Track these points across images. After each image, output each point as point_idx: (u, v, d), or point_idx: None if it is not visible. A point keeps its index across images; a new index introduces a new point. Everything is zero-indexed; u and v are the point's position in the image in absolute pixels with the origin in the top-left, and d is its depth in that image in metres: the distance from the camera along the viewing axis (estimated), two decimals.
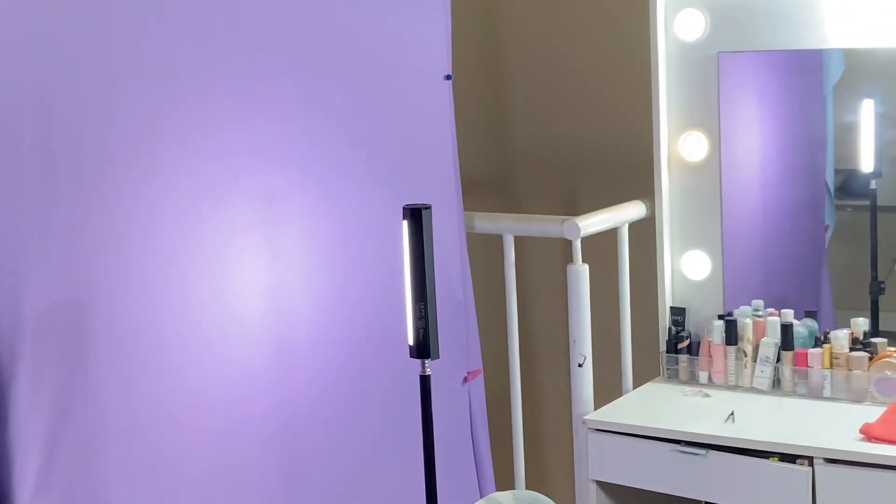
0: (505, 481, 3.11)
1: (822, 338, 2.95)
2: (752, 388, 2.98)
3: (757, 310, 3.04)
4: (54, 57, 2.03)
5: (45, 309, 2.02)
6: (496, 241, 3.04)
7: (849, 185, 3.08)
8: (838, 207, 3.12)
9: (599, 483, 2.88)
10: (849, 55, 3.00)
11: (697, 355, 3.08)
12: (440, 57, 2.78)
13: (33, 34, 1.99)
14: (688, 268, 3.14)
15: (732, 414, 2.81)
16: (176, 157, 2.23)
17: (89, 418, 2.09)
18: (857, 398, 2.86)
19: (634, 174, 3.32)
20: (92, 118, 2.09)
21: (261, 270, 2.38)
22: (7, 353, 1.97)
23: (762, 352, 2.97)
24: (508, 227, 3.03)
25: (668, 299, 3.15)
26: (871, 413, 2.73)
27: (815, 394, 2.91)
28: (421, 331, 2.20)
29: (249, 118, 2.36)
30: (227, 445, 2.32)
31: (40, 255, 2.01)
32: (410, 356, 2.24)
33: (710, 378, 3.05)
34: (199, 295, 2.27)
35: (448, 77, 2.79)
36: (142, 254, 2.18)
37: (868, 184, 3.04)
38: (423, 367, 2.23)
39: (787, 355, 2.94)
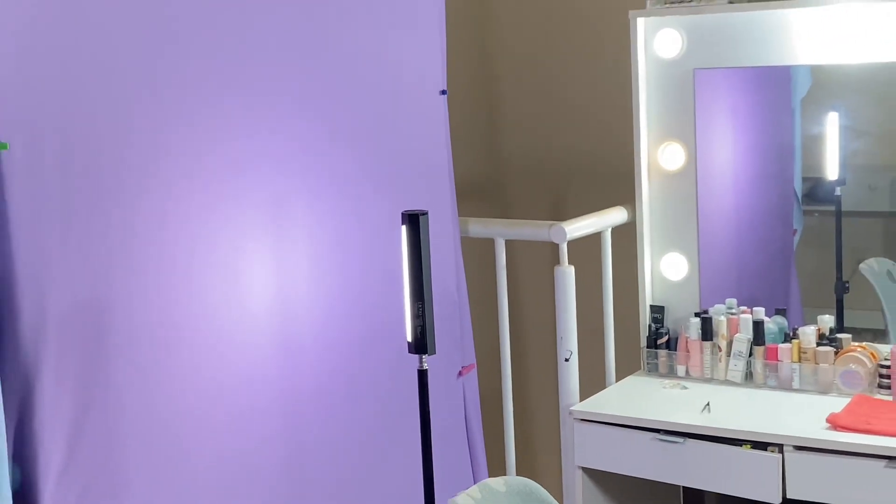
0: (497, 468, 3.11)
1: (791, 334, 2.96)
2: (727, 380, 2.98)
3: (730, 308, 3.04)
4: (74, 75, 2.04)
5: (67, 310, 2.02)
6: (488, 244, 3.04)
7: (815, 191, 3.08)
8: (806, 213, 3.12)
9: (585, 469, 2.88)
10: (815, 71, 3.00)
11: (675, 350, 3.08)
12: (436, 73, 2.78)
13: (55, 53, 2.00)
14: (666, 269, 3.14)
15: (708, 405, 2.82)
16: (190, 167, 2.23)
17: (109, 411, 2.09)
18: (824, 390, 2.86)
19: (617, 182, 3.32)
20: (110, 132, 2.09)
21: (268, 272, 2.38)
22: (32, 352, 1.97)
23: (735, 347, 2.97)
24: (500, 231, 3.03)
25: (648, 298, 3.15)
26: (837, 403, 2.73)
27: (785, 386, 2.91)
28: (418, 328, 2.20)
29: (259, 132, 2.36)
30: (237, 436, 2.32)
31: (62, 260, 2.01)
32: (409, 352, 2.24)
33: (687, 371, 3.05)
34: (211, 296, 2.27)
35: (443, 92, 2.80)
36: (157, 257, 2.18)
37: (833, 191, 3.04)
38: (421, 362, 2.23)
39: (759, 350, 2.95)
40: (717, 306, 3.06)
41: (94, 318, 2.07)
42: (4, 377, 1.94)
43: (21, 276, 1.96)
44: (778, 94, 3.08)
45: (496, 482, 2.31)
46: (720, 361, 3.00)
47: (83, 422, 2.05)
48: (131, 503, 2.13)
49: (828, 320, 2.95)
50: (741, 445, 2.65)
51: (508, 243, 3.02)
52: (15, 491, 1.96)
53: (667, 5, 3.02)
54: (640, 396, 2.95)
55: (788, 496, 2.61)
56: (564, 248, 2.91)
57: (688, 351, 3.04)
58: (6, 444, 1.94)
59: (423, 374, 2.22)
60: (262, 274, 2.37)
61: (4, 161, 1.93)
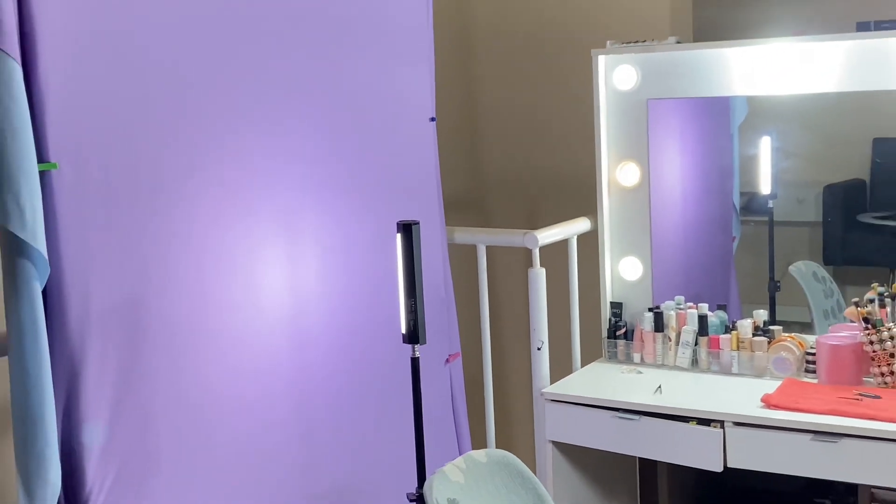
0: (479, 442, 3.10)
1: (731, 326, 2.96)
2: (676, 366, 2.99)
3: (679, 304, 3.04)
4: (116, 103, 2.04)
5: (108, 307, 2.01)
6: (471, 249, 3.03)
7: (751, 204, 3.09)
8: (743, 222, 3.13)
9: (554, 443, 2.89)
10: (751, 101, 3.01)
11: (632, 340, 3.08)
12: (426, 103, 2.78)
13: (99, 85, 2.00)
14: (624, 271, 3.15)
15: (660, 387, 2.82)
16: (214, 183, 2.23)
17: (144, 393, 2.09)
18: (759, 374, 2.87)
19: (581, 196, 3.32)
20: (146, 153, 2.10)
21: (282, 274, 2.37)
22: (78, 342, 1.97)
23: (683, 337, 2.97)
24: (481, 238, 3.02)
25: (608, 296, 3.16)
26: (770, 386, 2.74)
27: (726, 370, 2.92)
28: (411, 321, 2.20)
29: (274, 154, 2.36)
30: (255, 416, 2.31)
31: (103, 264, 2.01)
32: (403, 342, 2.24)
33: (642, 358, 3.05)
34: (232, 294, 2.27)
35: (432, 119, 2.80)
36: (186, 261, 2.17)
37: (766, 203, 3.05)
38: (413, 350, 2.23)
39: (703, 340, 2.95)
40: (667, 302, 3.07)
41: (132, 314, 2.07)
42: (53, 367, 1.93)
43: (68, 277, 1.95)
44: (719, 120, 3.09)
45: (478, 454, 2.31)
46: (670, 350, 3.00)
47: (121, 406, 2.04)
48: (162, 477, 2.12)
49: (762, 314, 2.95)
50: (688, 422, 2.66)
51: (489, 249, 3.01)
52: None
53: (623, 45, 3.03)
54: (601, 380, 2.95)
55: (728, 465, 2.61)
56: (536, 252, 2.91)
57: (642, 341, 3.05)
58: (56, 428, 1.94)
59: (415, 362, 2.22)
60: (276, 275, 2.36)
61: (54, 179, 1.92)
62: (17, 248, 1.88)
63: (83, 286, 1.97)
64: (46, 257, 1.90)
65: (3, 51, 1.84)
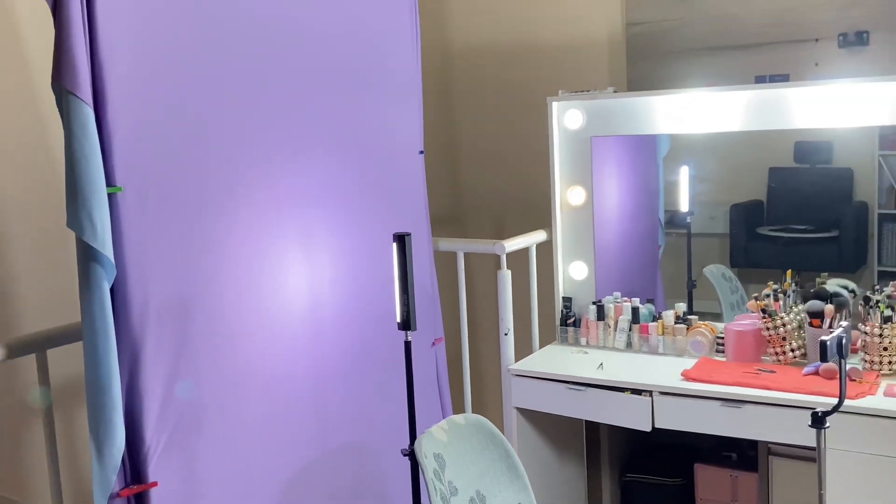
0: (458, 409, 3.10)
1: (657, 316, 2.96)
2: (614, 347, 2.98)
3: (616, 298, 3.04)
4: (170, 135, 2.04)
5: (163, 300, 2.01)
6: (452, 256, 3.02)
7: (673, 219, 3.10)
8: (667, 234, 3.14)
9: (518, 409, 2.88)
10: (673, 138, 3.02)
11: (579, 327, 3.07)
12: (416, 139, 2.77)
13: (157, 117, 2.00)
14: (573, 272, 3.14)
15: (601, 364, 2.81)
16: (247, 202, 2.22)
17: (190, 373, 2.08)
18: (679, 353, 2.87)
19: (539, 213, 3.31)
20: (195, 178, 2.11)
21: (301, 275, 2.36)
22: (138, 330, 1.97)
23: (620, 325, 2.97)
24: (460, 246, 3.01)
25: (560, 292, 3.14)
26: (688, 363, 2.75)
27: (653, 351, 2.92)
28: (404, 312, 2.18)
29: (295, 179, 2.35)
30: (280, 389, 2.30)
31: (159, 268, 2.01)
32: (398, 329, 2.22)
33: (587, 342, 3.04)
34: (262, 291, 2.26)
35: (421, 152, 2.79)
36: (224, 266, 2.17)
37: (685, 219, 3.06)
38: (406, 336, 2.21)
39: (636, 327, 2.95)
40: (607, 297, 3.06)
41: (181, 307, 2.06)
42: (119, 351, 1.93)
43: (130, 278, 1.95)
44: (648, 153, 3.10)
45: (458, 418, 2.30)
46: (610, 335, 3.00)
47: (173, 381, 2.03)
48: (205, 438, 2.11)
49: (682, 307, 2.96)
50: (623, 392, 2.65)
51: (466, 255, 3.00)
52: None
53: (572, 94, 3.03)
54: (555, 359, 2.93)
55: (656, 426, 2.61)
56: (504, 258, 2.90)
57: (588, 328, 3.04)
58: (121, 400, 1.93)
59: (408, 345, 2.20)
60: (296, 276, 2.35)
61: (119, 199, 1.92)
62: (89, 254, 1.88)
63: (142, 285, 1.96)
64: (113, 262, 1.91)
65: (80, 98, 1.84)
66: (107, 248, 1.87)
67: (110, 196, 1.89)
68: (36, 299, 2.66)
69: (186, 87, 2.05)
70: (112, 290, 1.91)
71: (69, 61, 1.82)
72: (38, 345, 2.04)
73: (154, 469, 1.98)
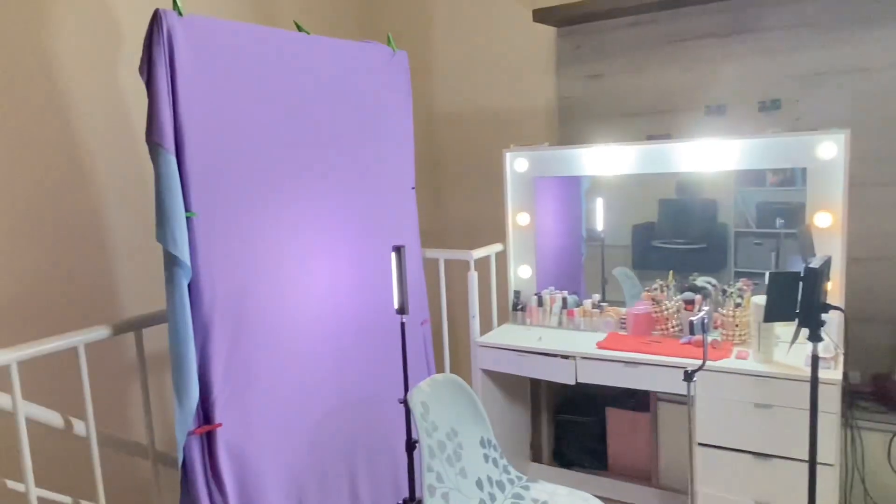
0: (440, 370, 3.09)
1: (580, 303, 2.97)
2: (549, 326, 2.98)
3: (551, 291, 3.04)
4: (229, 174, 2.00)
5: (225, 294, 1.99)
6: (436, 261, 3.02)
7: (592, 235, 3.10)
8: (588, 245, 3.14)
9: (483, 370, 2.87)
10: (592, 178, 3.02)
11: (525, 312, 3.07)
12: (409, 177, 2.75)
13: (218, 162, 1.96)
14: (520, 272, 3.14)
15: (541, 338, 2.81)
16: (287, 224, 2.20)
17: (246, 345, 2.06)
18: (595, 330, 2.87)
19: (497, 231, 3.32)
20: (247, 205, 2.07)
21: (326, 275, 2.35)
22: (208, 314, 1.95)
23: (554, 310, 2.98)
24: (442, 255, 3.00)
25: (512, 286, 3.14)
26: (601, 336, 2.75)
27: (577, 328, 2.92)
28: (401, 302, 2.18)
29: (320, 207, 2.33)
30: (310, 358, 2.28)
31: (222, 269, 1.99)
32: (396, 313, 2.23)
33: (531, 322, 3.04)
34: (297, 287, 2.24)
35: (413, 187, 2.78)
36: (270, 268, 2.15)
37: (600, 235, 3.06)
38: (402, 318, 2.21)
39: (565, 311, 2.95)
40: (545, 290, 3.06)
41: (239, 299, 2.04)
42: (195, 331, 1.91)
43: (202, 278, 1.93)
44: (574, 188, 3.10)
45: (439, 376, 2.30)
46: (547, 317, 3.00)
47: (233, 352, 2.02)
48: (256, 393, 2.09)
49: (597, 297, 2.96)
50: (556, 357, 2.65)
51: (446, 261, 3.00)
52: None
53: (520, 147, 3.03)
54: (508, 334, 2.93)
55: (578, 381, 2.60)
56: (472, 263, 2.89)
57: (531, 312, 3.04)
58: (195, 363, 1.91)
59: (403, 325, 2.20)
60: (322, 276, 2.34)
61: (194, 222, 1.91)
62: (172, 261, 1.87)
63: (210, 283, 1.95)
64: (189, 266, 1.89)
65: (165, 148, 1.82)
66: (185, 256, 1.86)
67: (187, 219, 1.88)
68: (134, 293, 2.64)
69: (240, 140, 2.04)
70: (189, 286, 1.90)
71: (157, 121, 1.82)
72: (136, 325, 2.03)
73: (219, 414, 1.97)
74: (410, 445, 2.16)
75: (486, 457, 2.28)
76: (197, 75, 1.89)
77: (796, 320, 1.76)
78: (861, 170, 2.65)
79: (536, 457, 3.33)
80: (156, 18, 1.81)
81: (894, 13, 2.59)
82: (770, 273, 1.82)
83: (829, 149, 2.41)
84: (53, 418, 2.05)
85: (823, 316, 1.75)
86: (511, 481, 2.29)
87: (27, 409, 1.98)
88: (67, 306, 2.46)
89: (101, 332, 1.92)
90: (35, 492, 1.78)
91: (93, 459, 1.91)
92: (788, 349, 2.04)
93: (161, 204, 1.83)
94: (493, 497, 2.21)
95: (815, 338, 1.76)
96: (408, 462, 2.17)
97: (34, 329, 2.32)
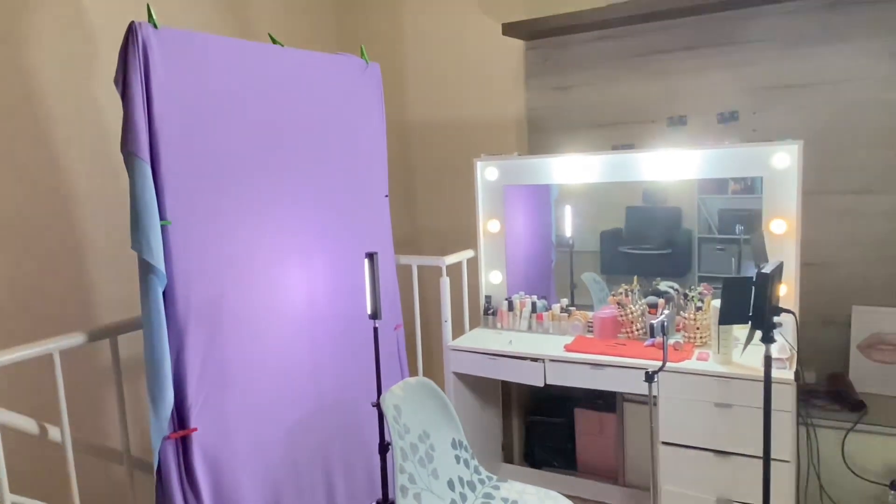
0: (413, 374, 3.10)
1: (549, 307, 3.00)
2: (519, 329, 3.01)
3: (521, 296, 3.07)
4: (204, 184, 2.00)
5: (200, 301, 1.99)
6: (409, 267, 3.03)
7: (561, 241, 3.12)
8: (557, 252, 3.16)
9: (455, 373, 2.88)
10: (561, 187, 3.05)
11: (496, 316, 3.09)
12: (382, 185, 2.76)
13: (193, 172, 1.95)
14: (491, 278, 3.17)
15: (511, 341, 2.84)
16: (261, 230, 2.20)
17: (221, 351, 2.06)
18: (563, 333, 2.90)
19: (469, 237, 3.34)
20: (221, 213, 2.06)
21: (302, 281, 2.35)
22: (183, 321, 1.94)
23: (524, 314, 3.00)
24: (415, 261, 3.01)
25: (483, 291, 3.17)
26: (569, 339, 2.78)
27: (546, 332, 2.94)
28: (374, 307, 2.19)
29: (297, 214, 2.33)
30: (285, 363, 2.28)
31: (197, 277, 1.98)
32: (369, 318, 2.23)
33: (501, 326, 3.06)
34: (272, 293, 2.24)
35: (386, 195, 2.78)
36: (245, 275, 2.14)
37: (569, 241, 3.08)
38: (375, 323, 2.22)
39: (534, 315, 2.98)
40: (515, 295, 3.09)
41: (213, 305, 2.04)
42: (170, 337, 1.90)
43: (177, 285, 1.92)
44: (543, 196, 3.13)
45: (411, 380, 2.31)
46: (517, 321, 3.03)
47: (208, 358, 2.02)
48: (232, 397, 2.08)
49: (566, 301, 2.99)
50: (525, 360, 2.67)
51: (419, 267, 3.01)
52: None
53: (490, 156, 3.06)
54: (480, 338, 2.95)
55: (547, 382, 2.63)
56: (444, 268, 2.91)
57: (502, 316, 3.06)
58: (170, 369, 1.90)
59: (376, 330, 2.21)
60: (298, 282, 2.34)
61: (169, 230, 1.90)
62: (147, 268, 1.87)
63: (185, 290, 1.95)
64: (164, 273, 1.88)
65: (140, 158, 1.82)
66: (160, 264, 1.86)
67: (162, 227, 1.88)
68: (109, 300, 2.62)
69: (215, 149, 2.04)
70: (164, 293, 1.90)
71: (133, 131, 1.81)
72: (111, 332, 2.02)
73: (195, 419, 1.97)
74: (383, 448, 2.17)
75: (457, 458, 2.30)
76: (172, 86, 1.89)
77: (749, 323, 1.81)
78: (814, 179, 2.74)
79: (507, 457, 3.35)
80: (131, 30, 1.81)
81: (845, 32, 2.68)
82: (724, 278, 1.88)
83: (783, 159, 2.49)
84: (28, 425, 2.03)
85: (776, 318, 1.81)
86: (482, 481, 2.32)
87: (2, 416, 1.96)
88: (43, 314, 2.43)
89: (76, 339, 1.91)
90: (10, 498, 1.76)
91: (68, 465, 1.90)
92: (742, 351, 2.10)
93: (136, 212, 1.83)
94: (464, 497, 2.23)
95: (767, 339, 1.82)
96: (381, 464, 2.18)
97: (9, 336, 2.30)
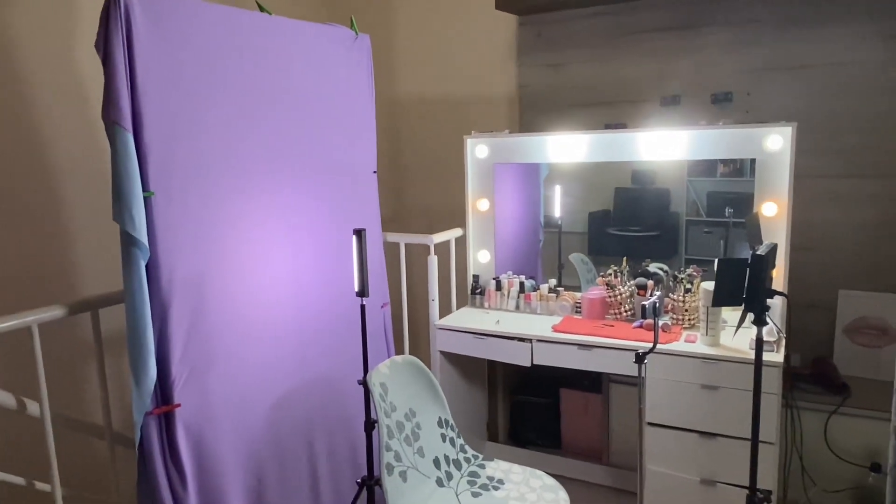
0: (399, 352, 3.09)
1: (537, 287, 3.00)
2: (507, 309, 3.01)
3: (509, 276, 3.07)
4: (190, 154, 1.95)
5: (184, 275, 1.95)
6: (397, 245, 3.01)
7: (549, 222, 3.13)
8: (545, 232, 3.16)
9: (441, 352, 2.88)
10: (551, 166, 3.04)
11: (484, 296, 3.09)
12: (372, 161, 2.72)
13: (178, 141, 1.91)
14: (480, 257, 3.15)
15: (498, 321, 2.84)
16: (248, 204, 2.16)
17: (205, 326, 2.02)
18: (551, 313, 2.91)
19: (457, 216, 3.32)
20: (210, 186, 2.02)
21: (288, 256, 2.32)
22: (166, 295, 1.91)
23: (511, 294, 3.00)
24: (402, 238, 2.99)
25: (471, 271, 3.16)
26: (557, 320, 2.79)
27: (534, 312, 2.95)
28: (361, 284, 2.17)
29: (284, 189, 2.30)
30: (270, 338, 2.26)
31: (182, 251, 1.95)
32: (356, 296, 2.21)
33: (489, 305, 3.06)
34: (258, 267, 2.21)
35: (374, 171, 2.75)
36: (231, 248, 2.11)
37: (558, 221, 3.09)
38: (362, 301, 2.19)
39: (522, 295, 2.98)
40: (503, 274, 3.09)
41: (197, 279, 2.00)
42: (153, 312, 1.87)
43: (160, 259, 1.88)
44: (533, 175, 3.12)
45: (398, 358, 2.30)
46: (504, 300, 3.02)
47: (192, 333, 1.98)
48: (216, 374, 2.06)
49: (553, 281, 3.00)
50: (513, 340, 2.67)
51: (406, 245, 2.99)
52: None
53: (481, 134, 3.03)
54: (467, 317, 2.94)
55: (534, 363, 2.63)
56: (432, 247, 2.90)
57: (490, 296, 3.06)
58: (153, 344, 1.87)
59: (363, 307, 2.19)
60: (284, 257, 2.31)
61: (152, 201, 1.86)
62: (130, 241, 1.82)
63: (168, 263, 1.91)
64: (147, 246, 1.85)
65: (122, 126, 1.77)
66: (142, 236, 1.82)
67: (145, 198, 1.84)
68: (91, 273, 2.57)
69: (199, 119, 1.99)
70: (146, 266, 1.86)
71: (114, 99, 1.76)
72: (93, 305, 1.98)
73: (178, 394, 1.94)
74: (369, 425, 2.16)
75: (443, 436, 2.30)
76: (155, 53, 1.83)
77: (743, 305, 1.81)
78: (805, 162, 2.73)
79: (493, 436, 3.36)
80: None
81: (839, 14, 2.66)
82: (719, 259, 1.87)
83: (777, 141, 2.48)
84: (6, 399, 1.99)
85: (768, 301, 1.81)
86: (468, 460, 2.32)
87: None
88: (23, 286, 2.38)
89: (55, 312, 1.87)
90: None
91: (47, 440, 1.86)
92: (735, 333, 2.10)
93: (118, 183, 1.78)
94: (449, 475, 2.23)
95: (759, 322, 1.82)
96: (366, 442, 2.17)
97: None
